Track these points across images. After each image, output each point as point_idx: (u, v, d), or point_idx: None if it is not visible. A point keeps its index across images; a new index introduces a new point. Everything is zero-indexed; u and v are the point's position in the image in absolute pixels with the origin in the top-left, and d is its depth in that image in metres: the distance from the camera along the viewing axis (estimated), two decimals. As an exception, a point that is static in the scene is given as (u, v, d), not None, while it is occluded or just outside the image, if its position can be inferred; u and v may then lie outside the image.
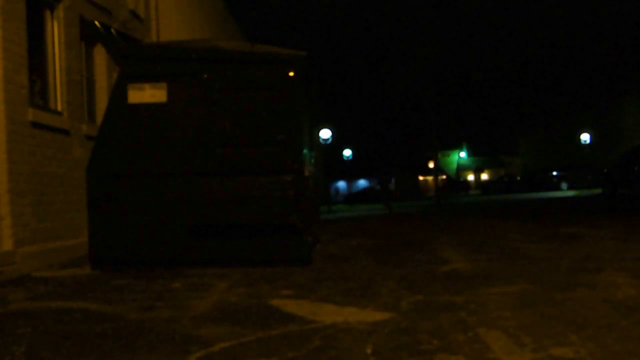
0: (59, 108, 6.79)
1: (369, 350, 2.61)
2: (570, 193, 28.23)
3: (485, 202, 24.53)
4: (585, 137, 37.82)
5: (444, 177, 54.06)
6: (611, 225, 8.09)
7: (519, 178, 43.48)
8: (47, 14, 6.75)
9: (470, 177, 69.16)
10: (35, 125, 6.03)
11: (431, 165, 49.82)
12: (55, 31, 6.81)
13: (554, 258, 5.14)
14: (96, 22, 6.35)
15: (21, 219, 5.69)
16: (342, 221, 14.00)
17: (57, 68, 6.80)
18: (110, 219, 5.52)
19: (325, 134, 26.03)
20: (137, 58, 5.77)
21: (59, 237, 6.37)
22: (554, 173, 35.98)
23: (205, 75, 5.54)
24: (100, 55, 8.00)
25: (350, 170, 56.44)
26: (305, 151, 5.73)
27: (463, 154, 70.70)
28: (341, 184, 61.44)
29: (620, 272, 4.21)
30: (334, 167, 46.49)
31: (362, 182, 61.52)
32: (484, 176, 65.88)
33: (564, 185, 34.25)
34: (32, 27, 6.22)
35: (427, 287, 4.06)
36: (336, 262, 5.68)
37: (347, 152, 36.78)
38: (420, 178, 61.44)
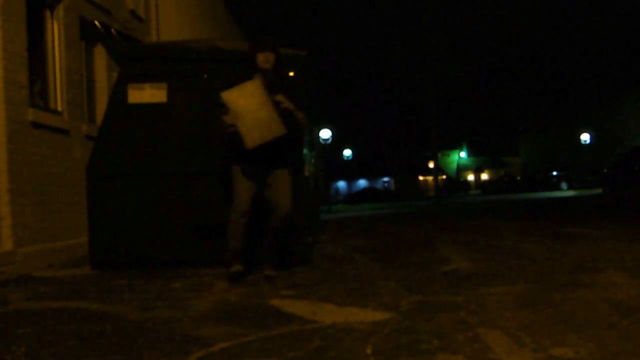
0: (59, 108, 6.78)
1: (369, 350, 2.61)
2: (570, 193, 28.23)
3: (485, 202, 24.53)
4: (585, 137, 37.85)
5: (444, 177, 54.08)
6: (611, 225, 8.09)
7: (519, 178, 43.48)
8: (47, 14, 6.75)
9: (470, 177, 69.16)
10: (36, 125, 6.03)
11: (431, 165, 49.83)
12: (55, 31, 6.81)
13: (554, 258, 5.14)
14: (96, 22, 6.35)
15: (21, 219, 5.68)
16: (342, 221, 14.00)
17: (57, 68, 6.80)
18: (110, 219, 5.52)
19: (325, 134, 26.04)
20: (137, 58, 5.77)
21: (59, 237, 6.37)
22: (554, 173, 36.00)
23: (205, 75, 5.55)
24: (100, 55, 8.00)
25: (350, 170, 56.43)
26: (305, 151, 5.73)
27: (463, 154, 70.72)
28: (341, 184, 61.43)
29: (620, 272, 4.21)
30: (334, 167, 46.46)
31: (362, 182, 61.51)
32: (484, 176, 65.86)
33: (564, 185, 34.26)
34: (32, 27, 6.22)
35: (427, 287, 4.06)
36: (336, 262, 5.68)
37: (347, 152, 36.79)
38: (420, 178, 61.46)
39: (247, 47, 4.93)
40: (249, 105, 4.50)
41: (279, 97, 4.54)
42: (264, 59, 4.61)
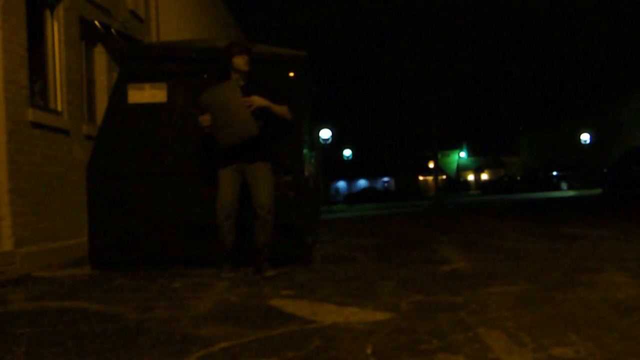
0: (59, 108, 6.78)
1: (369, 350, 2.61)
2: (570, 193, 28.23)
3: (485, 202, 24.53)
4: (585, 137, 37.81)
5: (444, 177, 54.09)
6: (611, 225, 8.09)
7: (519, 178, 43.46)
8: (47, 13, 6.75)
9: (470, 177, 69.14)
10: (36, 125, 6.03)
11: (431, 165, 49.85)
12: (55, 31, 6.81)
13: (554, 258, 5.14)
14: (96, 22, 6.36)
15: (21, 219, 5.68)
16: (342, 221, 14.01)
17: (57, 68, 6.80)
18: (110, 219, 5.52)
19: (325, 134, 26.02)
20: (137, 58, 5.77)
21: (59, 237, 6.37)
22: (554, 173, 35.99)
23: (205, 75, 5.55)
24: (100, 55, 8.00)
25: (350, 170, 56.46)
26: (305, 151, 5.73)
27: (463, 154, 70.69)
28: (341, 184, 61.42)
29: (620, 272, 4.21)
30: (334, 167, 46.48)
31: (362, 182, 61.52)
32: (484, 176, 65.84)
33: (564, 185, 34.24)
34: (32, 27, 6.22)
35: (427, 287, 4.06)
36: (336, 262, 5.68)
37: (347, 152, 36.79)
38: (420, 178, 61.46)
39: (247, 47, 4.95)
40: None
41: (252, 99, 4.74)
42: (243, 62, 4.83)
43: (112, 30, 6.25)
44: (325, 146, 26.16)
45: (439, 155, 41.44)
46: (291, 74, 5.55)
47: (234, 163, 4.83)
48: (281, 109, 4.92)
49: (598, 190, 23.67)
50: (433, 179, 42.61)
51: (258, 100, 4.76)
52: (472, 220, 11.12)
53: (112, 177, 5.54)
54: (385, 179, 62.39)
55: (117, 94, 5.64)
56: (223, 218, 4.83)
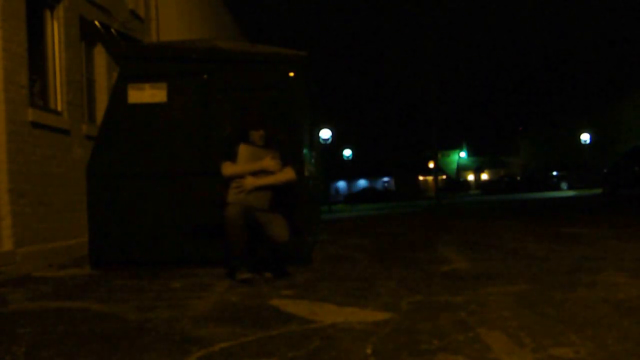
0: (59, 108, 6.78)
1: (369, 350, 2.61)
2: (570, 193, 28.23)
3: (485, 202, 24.52)
4: (585, 137, 37.81)
5: (444, 177, 54.09)
6: (611, 225, 8.09)
7: (519, 178, 43.45)
8: (47, 14, 6.75)
9: (470, 177, 69.13)
10: (35, 125, 6.03)
11: (431, 165, 49.83)
12: (55, 31, 6.81)
13: (554, 258, 5.14)
14: (96, 22, 6.35)
15: (21, 219, 5.68)
16: (342, 221, 14.00)
17: (57, 68, 6.80)
18: (110, 219, 5.52)
19: (325, 134, 25.99)
20: (137, 58, 5.77)
21: (59, 237, 6.37)
22: (554, 173, 35.99)
23: (205, 75, 5.55)
24: (100, 55, 8.00)
25: (350, 170, 56.48)
26: (305, 151, 5.73)
27: (463, 154, 70.68)
28: (341, 184, 61.40)
29: (620, 272, 4.21)
30: (334, 167, 46.43)
31: (362, 182, 61.50)
32: (484, 176, 65.83)
33: (564, 185, 34.23)
34: (32, 27, 6.22)
35: (427, 287, 4.06)
36: (336, 262, 5.68)
37: (347, 152, 36.75)
38: (420, 178, 61.46)
39: (247, 47, 4.94)
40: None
41: (244, 182, 4.67)
42: (258, 136, 4.80)
43: (112, 30, 6.24)
44: (325, 146, 26.14)
45: (439, 155, 41.45)
46: (291, 74, 5.55)
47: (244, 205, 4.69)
48: (287, 173, 4.79)
49: (598, 190, 23.67)
50: (433, 179, 42.57)
51: (250, 184, 4.68)
52: (472, 220, 11.12)
53: (112, 177, 5.54)
54: (385, 179, 62.37)
55: (117, 94, 5.64)
56: (233, 214, 4.61)
